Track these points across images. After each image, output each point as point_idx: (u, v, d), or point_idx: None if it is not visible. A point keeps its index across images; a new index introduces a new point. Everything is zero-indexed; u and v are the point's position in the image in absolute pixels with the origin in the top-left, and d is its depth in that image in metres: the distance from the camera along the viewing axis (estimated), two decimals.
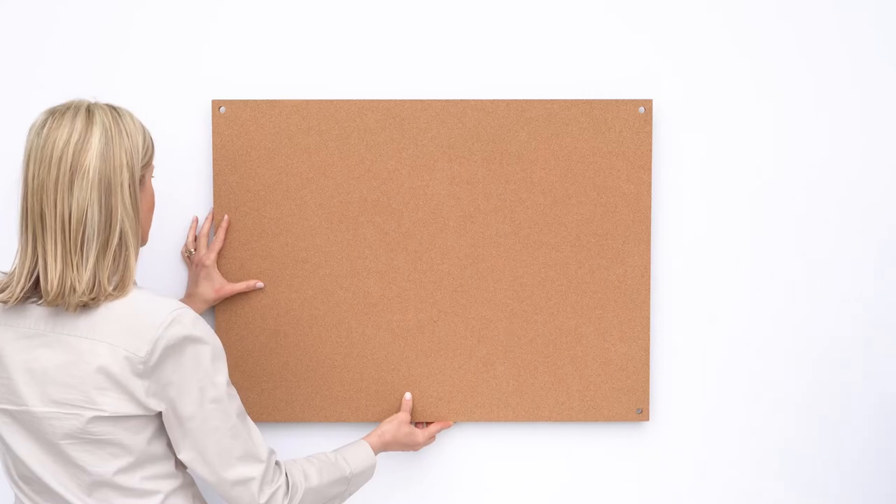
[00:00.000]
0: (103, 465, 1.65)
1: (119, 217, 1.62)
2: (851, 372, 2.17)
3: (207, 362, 1.65)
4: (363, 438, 1.98)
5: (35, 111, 2.09)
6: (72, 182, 1.59)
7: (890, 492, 2.19)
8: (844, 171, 2.14)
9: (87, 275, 1.60)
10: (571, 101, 2.07)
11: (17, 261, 1.65)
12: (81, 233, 1.59)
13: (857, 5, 2.11)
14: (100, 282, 1.61)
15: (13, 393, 1.65)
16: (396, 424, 2.04)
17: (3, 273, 1.76)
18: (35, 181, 1.60)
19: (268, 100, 2.07)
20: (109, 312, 1.62)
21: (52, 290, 1.59)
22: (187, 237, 2.10)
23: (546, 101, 2.08)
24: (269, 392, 2.11)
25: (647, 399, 2.12)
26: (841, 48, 2.12)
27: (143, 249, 2.04)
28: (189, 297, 2.07)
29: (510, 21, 2.10)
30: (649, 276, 2.10)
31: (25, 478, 1.70)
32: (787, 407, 2.17)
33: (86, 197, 1.59)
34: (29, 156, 1.62)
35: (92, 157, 1.60)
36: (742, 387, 2.16)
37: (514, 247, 2.10)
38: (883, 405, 2.17)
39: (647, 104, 2.08)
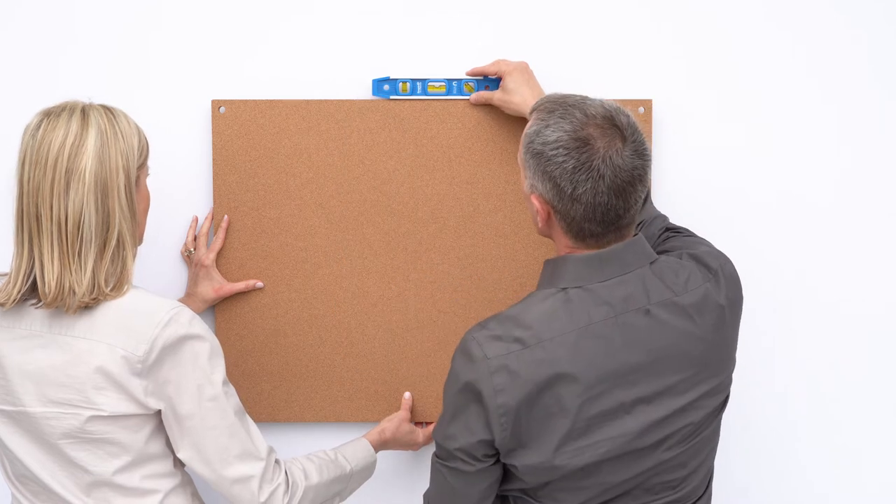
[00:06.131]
0: (102, 464, 1.65)
1: (116, 219, 1.62)
2: (851, 371, 2.16)
3: (205, 361, 1.65)
4: (363, 436, 1.99)
5: (34, 112, 2.09)
6: (68, 184, 1.59)
7: (891, 493, 2.19)
8: (845, 171, 2.13)
9: (86, 277, 1.60)
10: None
11: (13, 263, 1.64)
12: (79, 235, 1.59)
13: (858, 6, 2.11)
14: (98, 283, 1.61)
15: (10, 394, 1.65)
16: (397, 423, 2.04)
17: None
18: (30, 184, 1.60)
19: (268, 100, 2.07)
20: (107, 312, 1.62)
21: (49, 292, 1.59)
22: (187, 237, 2.10)
23: None
24: (269, 392, 2.11)
25: None
26: (840, 48, 2.11)
27: (142, 249, 2.04)
28: (189, 297, 2.07)
29: (510, 21, 2.10)
30: None
31: (23, 477, 1.70)
32: (787, 406, 2.17)
33: (82, 199, 1.59)
34: (24, 158, 1.61)
35: (88, 160, 1.60)
36: (741, 386, 2.15)
37: (514, 247, 2.10)
38: (885, 405, 2.17)
39: (647, 104, 2.08)
